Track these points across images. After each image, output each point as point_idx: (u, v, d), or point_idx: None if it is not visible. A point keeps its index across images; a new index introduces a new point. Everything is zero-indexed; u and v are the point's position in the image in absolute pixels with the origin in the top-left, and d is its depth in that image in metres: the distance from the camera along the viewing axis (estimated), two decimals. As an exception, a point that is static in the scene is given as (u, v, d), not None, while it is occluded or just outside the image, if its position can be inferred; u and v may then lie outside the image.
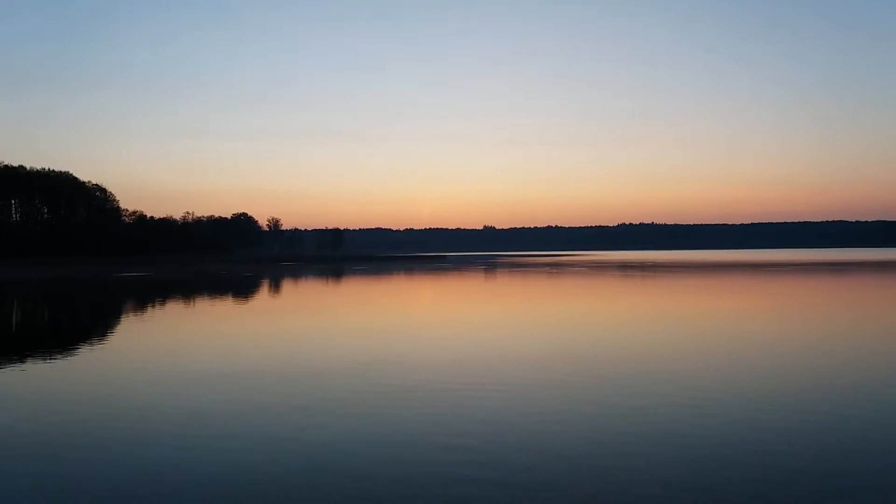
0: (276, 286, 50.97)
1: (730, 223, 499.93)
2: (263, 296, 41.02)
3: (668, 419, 9.78)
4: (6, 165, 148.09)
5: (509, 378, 12.88)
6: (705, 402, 10.77)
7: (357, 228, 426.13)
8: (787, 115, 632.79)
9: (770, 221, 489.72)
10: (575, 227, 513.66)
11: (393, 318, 26.36)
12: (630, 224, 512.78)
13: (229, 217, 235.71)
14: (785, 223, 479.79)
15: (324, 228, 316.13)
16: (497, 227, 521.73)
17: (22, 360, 15.73)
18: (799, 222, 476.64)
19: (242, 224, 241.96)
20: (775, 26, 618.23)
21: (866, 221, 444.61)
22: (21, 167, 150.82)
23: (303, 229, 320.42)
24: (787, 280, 52.12)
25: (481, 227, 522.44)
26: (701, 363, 14.41)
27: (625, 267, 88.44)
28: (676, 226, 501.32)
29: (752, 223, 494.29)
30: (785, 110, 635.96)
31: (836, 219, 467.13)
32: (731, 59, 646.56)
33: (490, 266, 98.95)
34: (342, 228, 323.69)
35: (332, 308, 31.46)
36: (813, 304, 30.85)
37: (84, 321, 27.57)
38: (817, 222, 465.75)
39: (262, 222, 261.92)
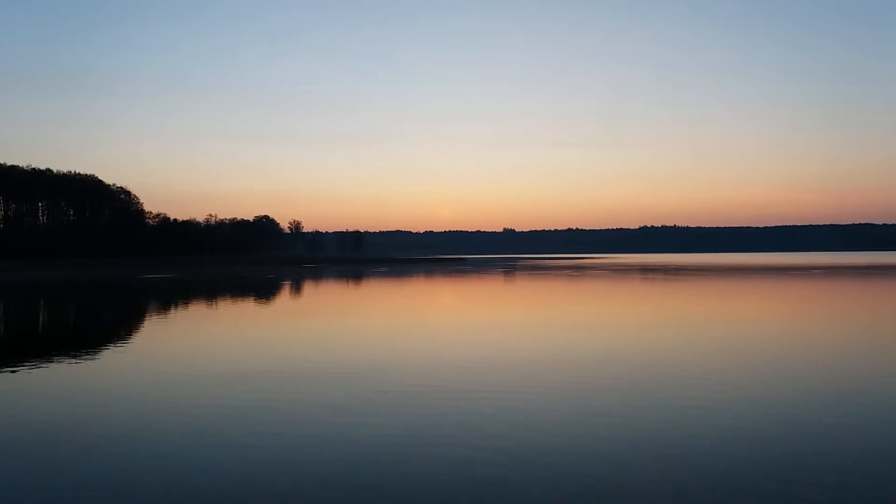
0: (299, 288, 51.08)
1: (754, 226, 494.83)
2: (288, 298, 41.09)
3: (705, 423, 9.46)
4: (34, 168, 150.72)
5: (537, 380, 12.61)
6: (741, 406, 10.42)
7: (377, 231, 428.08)
8: (810, 115, 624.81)
9: (795, 224, 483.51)
10: (596, 230, 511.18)
11: (416, 319, 26.17)
12: (652, 226, 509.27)
13: (251, 220, 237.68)
14: (811, 226, 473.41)
15: (344, 231, 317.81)
16: (517, 230, 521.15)
17: (48, 360, 15.76)
18: (825, 225, 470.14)
19: (264, 226, 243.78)
20: (799, 25, 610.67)
21: (894, 224, 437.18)
22: (48, 170, 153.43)
23: (324, 232, 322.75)
24: (815, 284, 51.19)
25: (501, 230, 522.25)
26: (732, 367, 14.03)
27: (647, 270, 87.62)
28: (699, 228, 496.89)
29: (777, 226, 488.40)
30: (808, 111, 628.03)
31: (862, 221, 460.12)
32: (754, 59, 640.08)
33: (510, 269, 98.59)
34: (362, 231, 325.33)
35: (356, 309, 31.36)
36: (843, 308, 30.16)
37: (115, 322, 27.73)
38: (844, 225, 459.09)
39: (284, 225, 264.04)
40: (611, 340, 19.15)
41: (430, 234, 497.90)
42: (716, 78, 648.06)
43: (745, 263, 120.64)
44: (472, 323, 25.09)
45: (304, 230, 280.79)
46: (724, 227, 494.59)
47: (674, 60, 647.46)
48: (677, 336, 20.05)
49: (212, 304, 34.67)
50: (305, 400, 11.37)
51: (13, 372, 14.32)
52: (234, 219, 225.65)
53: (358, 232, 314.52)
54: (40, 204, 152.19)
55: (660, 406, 10.79)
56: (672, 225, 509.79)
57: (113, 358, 16.48)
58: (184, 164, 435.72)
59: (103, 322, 27.89)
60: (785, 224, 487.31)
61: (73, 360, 15.87)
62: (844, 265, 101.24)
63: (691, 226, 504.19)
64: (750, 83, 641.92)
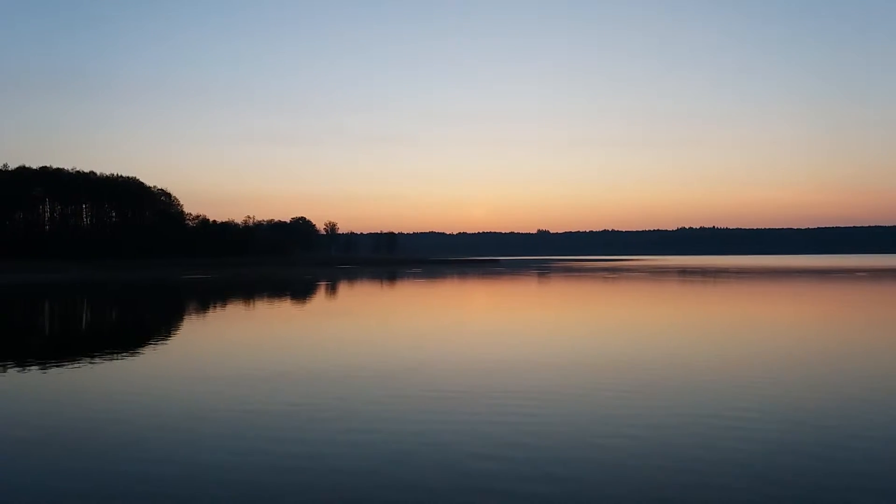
0: (338, 289, 51.61)
1: (795, 227, 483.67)
2: (329, 299, 41.56)
3: (753, 428, 9.40)
4: (78, 171, 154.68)
5: (576, 385, 12.64)
6: (788, 412, 10.32)
7: (411, 232, 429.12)
8: (849, 113, 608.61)
9: (837, 225, 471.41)
10: (632, 231, 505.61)
11: (453, 321, 26.27)
12: (690, 228, 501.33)
13: (288, 221, 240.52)
14: (854, 227, 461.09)
15: (378, 232, 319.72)
16: (551, 231, 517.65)
17: (99, 357, 16.29)
18: (868, 226, 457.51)
19: (301, 228, 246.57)
20: (837, 20, 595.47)
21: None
22: (92, 172, 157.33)
23: (358, 233, 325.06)
24: (861, 288, 49.92)
25: (535, 231, 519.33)
26: (778, 373, 13.86)
27: (685, 273, 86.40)
28: (739, 230, 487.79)
29: (818, 227, 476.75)
30: (846, 109, 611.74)
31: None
32: (790, 57, 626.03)
33: (545, 270, 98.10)
34: (396, 232, 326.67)
35: (394, 311, 31.57)
36: (892, 313, 29.42)
37: (169, 321, 28.41)
38: (888, 226, 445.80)
39: (320, 226, 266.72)
40: (650, 345, 19.01)
41: (463, 236, 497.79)
42: (754, 76, 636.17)
43: (786, 266, 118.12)
44: (509, 326, 25.10)
45: (340, 231, 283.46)
46: (764, 229, 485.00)
47: (713, 59, 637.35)
48: (717, 342, 19.81)
49: (256, 305, 35.24)
50: (352, 398, 11.58)
51: (57, 368, 14.83)
52: (272, 220, 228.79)
53: (392, 233, 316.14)
54: (84, 206, 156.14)
55: (695, 415, 10.73)
56: (711, 226, 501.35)
57: (167, 356, 16.94)
58: (219, 167, 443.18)
59: (156, 321, 28.58)
60: (826, 226, 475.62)
61: (118, 358, 16.36)
62: (890, 268, 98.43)
63: (731, 227, 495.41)
64: (788, 81, 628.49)
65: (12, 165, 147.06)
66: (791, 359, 16.07)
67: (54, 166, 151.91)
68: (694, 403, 11.31)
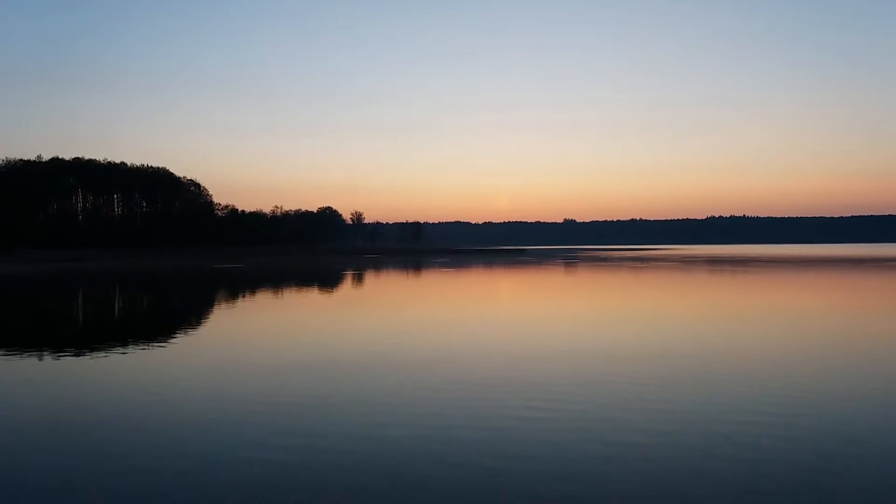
0: (369, 279, 51.82)
1: (827, 216, 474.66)
2: (361, 288, 41.72)
3: (792, 422, 9.19)
4: (109, 162, 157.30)
5: (609, 376, 12.49)
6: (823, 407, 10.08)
7: (436, 222, 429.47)
8: (883, 99, 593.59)
9: (871, 214, 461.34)
10: (660, 220, 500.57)
11: (479, 311, 26.17)
12: (720, 217, 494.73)
13: (315, 211, 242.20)
14: (889, 215, 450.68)
15: (404, 222, 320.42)
16: (577, 220, 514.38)
17: (139, 345, 16.53)
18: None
19: (327, 218, 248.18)
20: (870, 3, 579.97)
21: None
22: (123, 163, 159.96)
23: (384, 223, 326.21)
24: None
25: (561, 221, 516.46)
26: (816, 365, 13.56)
27: (715, 262, 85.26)
28: (769, 219, 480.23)
29: (852, 216, 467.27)
30: (882, 94, 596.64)
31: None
32: (824, 43, 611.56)
33: (571, 260, 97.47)
34: (421, 222, 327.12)
35: (423, 300, 31.58)
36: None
37: (196, 311, 28.75)
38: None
39: (346, 216, 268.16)
40: (682, 335, 18.73)
41: (488, 225, 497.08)
42: (786, 63, 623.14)
43: (818, 255, 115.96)
44: (536, 315, 24.95)
45: (366, 221, 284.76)
46: (795, 217, 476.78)
47: (740, 45, 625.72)
48: (748, 332, 19.46)
49: (289, 294, 35.50)
50: (371, 388, 11.57)
51: (84, 356, 15.04)
52: (299, 210, 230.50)
53: (417, 223, 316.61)
54: (115, 196, 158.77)
55: (728, 407, 10.52)
56: (741, 215, 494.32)
57: (193, 345, 17.11)
58: (248, 157, 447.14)
59: (187, 310, 28.94)
60: (859, 214, 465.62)
61: (152, 346, 16.57)
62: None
63: (761, 215, 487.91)
64: (818, 66, 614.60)
65: (46, 157, 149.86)
66: (831, 351, 15.72)
67: (86, 157, 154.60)
68: (735, 395, 11.08)
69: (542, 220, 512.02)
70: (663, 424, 9.28)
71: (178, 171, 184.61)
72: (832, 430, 9.00)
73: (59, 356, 15.26)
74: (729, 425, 9.22)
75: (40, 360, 14.88)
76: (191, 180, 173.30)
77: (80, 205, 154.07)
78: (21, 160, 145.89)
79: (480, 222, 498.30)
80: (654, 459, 7.83)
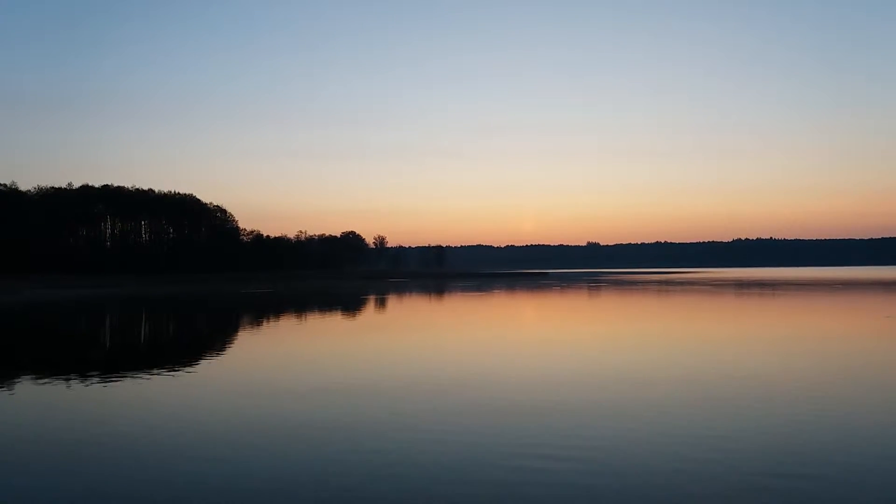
0: (394, 304, 51.89)
1: (857, 238, 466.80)
2: (384, 313, 41.79)
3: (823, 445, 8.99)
4: (137, 189, 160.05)
5: (633, 401, 12.35)
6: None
7: (459, 245, 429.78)
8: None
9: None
10: (685, 243, 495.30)
11: (503, 336, 26.05)
12: (746, 239, 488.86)
13: (339, 235, 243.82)
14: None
15: (427, 246, 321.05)
16: (601, 244, 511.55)
17: (161, 370, 16.70)
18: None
19: (351, 242, 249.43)
20: (884, 29, 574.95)
21: None
22: (150, 190, 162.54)
23: (406, 246, 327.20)
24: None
25: (585, 244, 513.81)
26: (842, 387, 13.28)
27: (742, 286, 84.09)
28: (798, 241, 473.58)
29: (881, 237, 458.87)
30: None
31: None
32: (851, 65, 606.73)
33: (595, 284, 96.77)
34: (444, 245, 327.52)
35: (444, 325, 31.53)
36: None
37: (222, 336, 28.99)
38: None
39: (369, 240, 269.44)
40: (706, 360, 18.47)
41: (511, 249, 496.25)
42: (810, 84, 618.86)
43: (847, 278, 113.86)
44: (558, 339, 24.77)
45: (388, 245, 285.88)
46: (823, 240, 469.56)
47: (764, 70, 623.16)
48: (790, 356, 19.13)
49: (317, 319, 35.68)
50: (370, 416, 11.55)
51: (106, 379, 15.22)
52: (323, 234, 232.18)
53: (440, 246, 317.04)
54: (143, 222, 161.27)
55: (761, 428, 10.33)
56: (768, 237, 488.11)
57: (216, 370, 17.23)
58: (272, 182, 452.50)
59: (213, 335, 29.19)
60: (889, 235, 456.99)
61: (171, 372, 16.72)
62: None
63: (790, 238, 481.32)
64: (844, 87, 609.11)
65: (76, 184, 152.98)
66: (857, 375, 15.40)
67: (115, 184, 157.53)
68: (755, 417, 10.89)
69: (565, 244, 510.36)
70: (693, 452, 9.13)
71: (205, 197, 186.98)
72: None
73: (81, 380, 15.46)
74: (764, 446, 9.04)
75: (68, 386, 15.08)
76: (217, 206, 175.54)
77: (109, 231, 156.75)
78: (53, 187, 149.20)
79: (503, 245, 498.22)
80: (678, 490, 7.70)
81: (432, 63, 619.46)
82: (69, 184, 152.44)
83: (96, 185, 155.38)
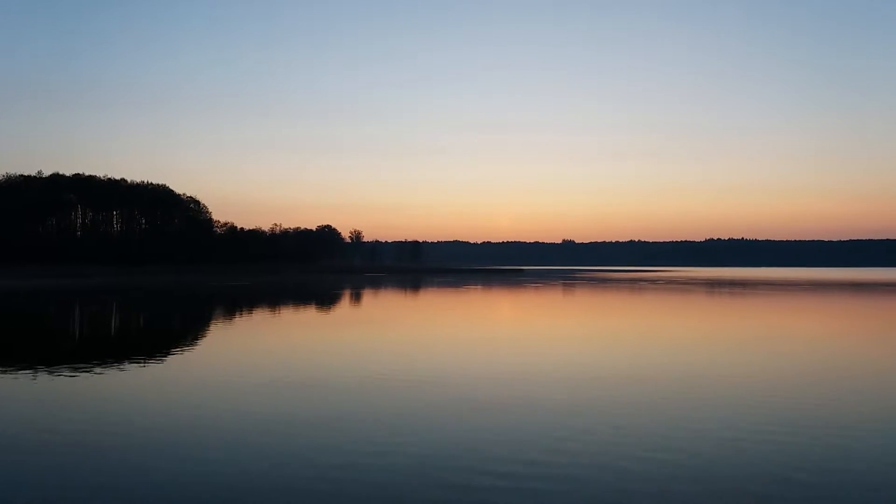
0: (370, 299, 51.59)
1: (827, 239, 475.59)
2: (363, 307, 41.48)
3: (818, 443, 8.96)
4: (109, 178, 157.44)
5: (608, 397, 12.26)
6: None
7: (435, 241, 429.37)
8: (889, 124, 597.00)
9: (872, 238, 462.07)
10: (658, 242, 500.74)
11: (479, 332, 25.93)
12: (719, 239, 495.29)
13: (314, 229, 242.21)
14: (891, 240, 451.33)
15: (403, 241, 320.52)
16: (576, 241, 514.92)
17: (133, 362, 16.27)
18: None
19: (326, 236, 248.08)
20: (884, 32, 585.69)
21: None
22: (122, 180, 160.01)
23: (383, 241, 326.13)
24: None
25: (560, 241, 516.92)
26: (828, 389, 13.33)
27: (714, 285, 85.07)
28: (769, 242, 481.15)
29: (851, 239, 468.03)
30: (888, 119, 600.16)
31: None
32: (827, 69, 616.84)
33: (570, 281, 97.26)
34: (420, 241, 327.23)
35: (423, 320, 31.36)
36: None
37: (191, 329, 28.48)
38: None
39: (345, 234, 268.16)
40: (677, 357, 18.50)
41: (487, 245, 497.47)
42: (786, 85, 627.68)
43: (818, 279, 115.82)
44: (533, 336, 24.72)
45: (364, 240, 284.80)
46: (794, 241, 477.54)
47: (742, 71, 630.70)
48: (765, 355, 19.24)
49: (290, 313, 35.26)
50: (375, 407, 11.34)
51: (72, 373, 14.80)
52: (298, 228, 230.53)
53: (416, 242, 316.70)
54: (115, 212, 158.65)
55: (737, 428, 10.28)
56: (740, 237, 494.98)
57: (186, 363, 16.85)
58: (247, 175, 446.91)
59: (182, 328, 28.67)
60: (862, 238, 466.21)
61: (139, 364, 16.31)
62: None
63: (760, 238, 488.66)
64: (820, 90, 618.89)
65: (46, 173, 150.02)
66: (839, 374, 15.50)
67: (86, 173, 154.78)
68: (741, 416, 10.85)
69: (540, 241, 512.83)
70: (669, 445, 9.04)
71: (178, 188, 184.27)
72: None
73: (48, 372, 15.00)
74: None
75: (33, 377, 14.62)
76: (190, 197, 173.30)
77: (80, 220, 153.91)
78: (21, 175, 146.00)
79: (479, 242, 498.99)
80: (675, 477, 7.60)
81: (411, 59, 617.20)
82: (39, 172, 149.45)
83: (67, 174, 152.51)
